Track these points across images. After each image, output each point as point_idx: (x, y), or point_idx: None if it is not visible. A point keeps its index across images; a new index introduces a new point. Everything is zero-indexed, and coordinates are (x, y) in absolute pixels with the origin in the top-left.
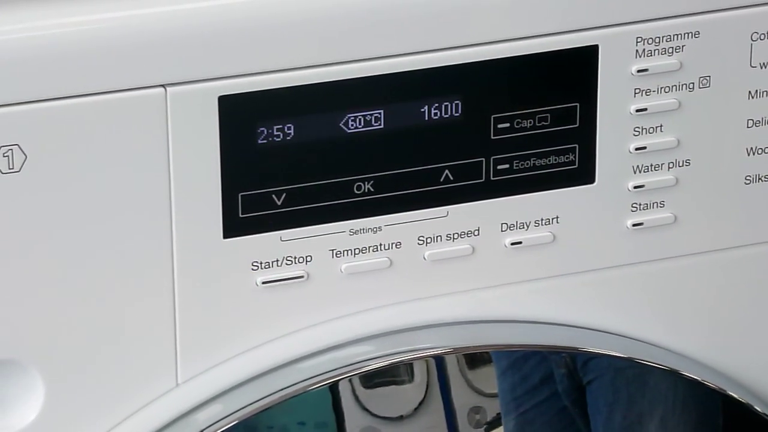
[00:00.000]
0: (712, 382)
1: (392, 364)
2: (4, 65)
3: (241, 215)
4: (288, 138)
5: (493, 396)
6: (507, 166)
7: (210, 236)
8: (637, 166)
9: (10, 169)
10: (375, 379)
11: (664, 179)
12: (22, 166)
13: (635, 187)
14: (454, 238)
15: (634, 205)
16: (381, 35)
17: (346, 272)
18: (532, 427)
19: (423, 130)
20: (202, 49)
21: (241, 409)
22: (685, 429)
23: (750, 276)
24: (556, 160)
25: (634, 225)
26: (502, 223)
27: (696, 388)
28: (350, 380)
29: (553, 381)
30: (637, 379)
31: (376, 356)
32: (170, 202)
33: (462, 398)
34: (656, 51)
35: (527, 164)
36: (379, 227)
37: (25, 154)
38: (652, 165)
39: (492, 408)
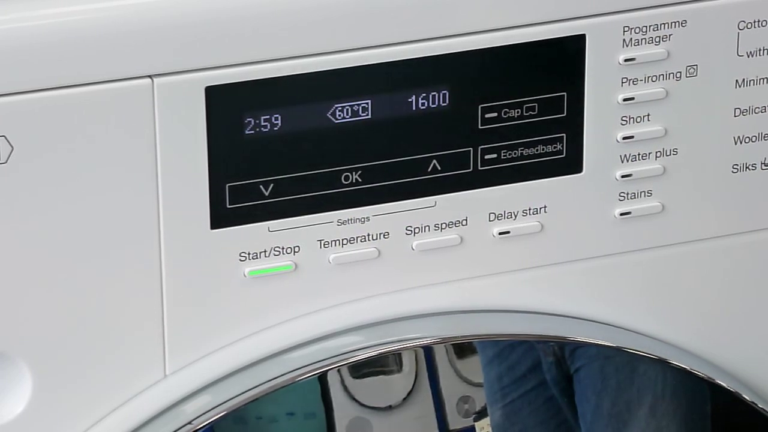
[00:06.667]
0: (700, 371)
1: (381, 354)
2: None
3: (228, 206)
4: (275, 128)
5: (481, 385)
6: (494, 155)
7: (197, 227)
8: (625, 156)
9: None
10: (364, 369)
11: (651, 168)
12: (8, 158)
13: (623, 177)
14: (442, 228)
15: (621, 195)
16: (368, 25)
17: (335, 262)
18: (518, 416)
19: (410, 120)
20: (189, 40)
21: (229, 399)
22: (675, 416)
23: (737, 265)
24: (543, 149)
25: (621, 214)
26: (489, 213)
27: (685, 375)
28: (339, 371)
29: (541, 370)
30: (626, 367)
31: (364, 346)
32: (157, 194)
33: (450, 388)
34: (643, 40)
35: (515, 154)
36: (367, 217)
37: (11, 146)
38: (639, 154)
39: (480, 397)
